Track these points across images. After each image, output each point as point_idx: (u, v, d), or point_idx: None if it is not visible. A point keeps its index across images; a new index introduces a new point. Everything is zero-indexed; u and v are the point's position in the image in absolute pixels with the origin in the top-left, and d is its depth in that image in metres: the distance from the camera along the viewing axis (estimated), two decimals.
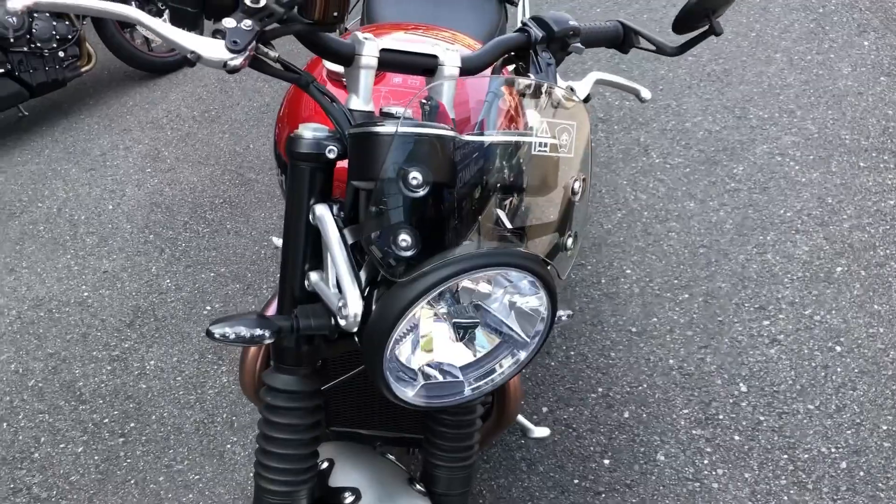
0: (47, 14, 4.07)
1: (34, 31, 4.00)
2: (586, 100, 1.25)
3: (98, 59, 4.47)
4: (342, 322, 0.88)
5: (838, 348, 2.18)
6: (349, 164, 0.91)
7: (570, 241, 0.97)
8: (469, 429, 1.18)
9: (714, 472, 1.91)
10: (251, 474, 2.05)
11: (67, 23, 4.18)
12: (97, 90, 4.64)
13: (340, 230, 0.93)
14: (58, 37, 4.13)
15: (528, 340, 0.96)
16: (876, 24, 3.62)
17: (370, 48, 0.98)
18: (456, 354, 0.95)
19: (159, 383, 2.39)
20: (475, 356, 0.95)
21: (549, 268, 0.94)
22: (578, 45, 1.20)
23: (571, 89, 1.23)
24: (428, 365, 0.94)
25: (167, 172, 3.62)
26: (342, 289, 0.88)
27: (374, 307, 0.88)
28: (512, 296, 0.95)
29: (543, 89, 0.97)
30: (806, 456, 1.93)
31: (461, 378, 0.96)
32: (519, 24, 1.19)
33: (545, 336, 0.96)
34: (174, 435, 2.20)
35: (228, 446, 2.16)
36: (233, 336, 0.92)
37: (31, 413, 2.33)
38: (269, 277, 2.83)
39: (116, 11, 0.86)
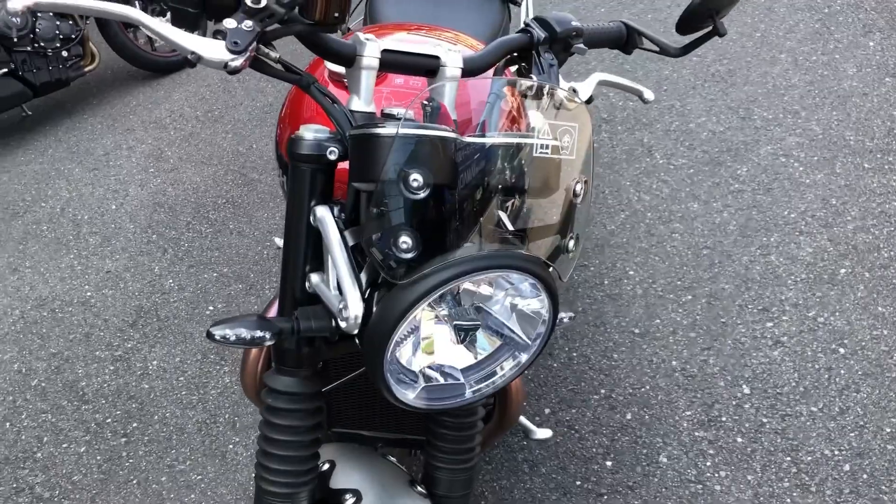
0: (51, 14, 4.07)
1: (38, 30, 4.00)
2: (589, 101, 1.25)
3: (101, 59, 4.48)
4: (343, 324, 0.88)
5: (842, 350, 2.17)
6: (350, 165, 0.91)
7: (571, 244, 0.96)
8: (470, 431, 1.18)
9: (717, 475, 1.91)
10: (253, 475, 2.05)
11: (71, 22, 4.18)
12: (101, 90, 4.64)
13: (341, 232, 0.92)
14: (61, 36, 4.14)
15: (530, 343, 0.96)
16: (882, 24, 3.61)
17: (371, 49, 0.98)
18: (457, 357, 0.95)
19: (162, 383, 2.39)
20: (476, 358, 0.95)
21: (550, 270, 0.93)
22: (581, 45, 1.20)
23: (574, 90, 1.22)
24: (429, 367, 0.94)
25: (170, 172, 3.62)
26: (343, 291, 0.88)
27: (374, 309, 0.88)
28: (513, 298, 0.95)
29: (545, 90, 0.96)
30: (809, 458, 1.92)
31: (462, 380, 0.95)
32: (522, 25, 1.18)
33: (546, 338, 0.96)
34: (176, 435, 2.20)
35: (231, 447, 2.15)
36: (233, 338, 0.92)
37: (34, 413, 2.34)
38: (272, 278, 2.83)
39: (117, 12, 0.86)
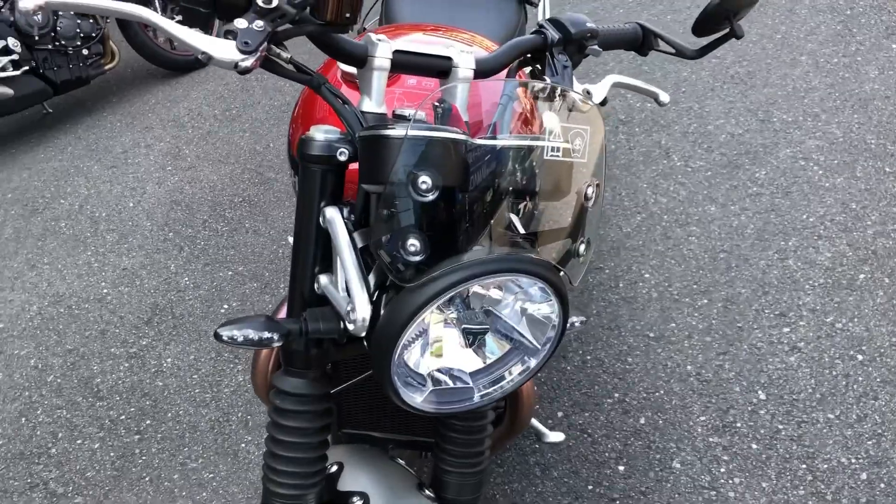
0: (72, 13, 4.11)
1: (59, 29, 4.04)
2: (603, 103, 1.24)
3: (121, 57, 4.52)
4: (350, 326, 0.87)
5: (860, 357, 2.14)
6: (360, 167, 0.91)
7: (582, 248, 0.95)
8: (480, 434, 1.17)
9: (731, 481, 1.89)
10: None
11: (92, 21, 4.22)
12: (120, 88, 4.67)
13: (350, 233, 0.92)
14: (82, 35, 4.17)
15: (539, 347, 0.95)
16: None
17: (383, 50, 0.97)
18: (465, 360, 0.94)
19: (176, 381, 2.40)
20: (485, 362, 0.94)
21: (560, 274, 0.92)
22: (596, 47, 1.19)
23: (588, 92, 1.21)
24: (438, 370, 0.93)
25: (187, 171, 3.64)
26: (351, 293, 0.87)
27: (382, 312, 0.87)
28: (524, 303, 0.94)
29: (558, 93, 0.95)
30: (825, 466, 1.90)
31: (471, 384, 0.94)
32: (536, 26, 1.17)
33: (556, 343, 0.95)
34: (189, 433, 2.21)
35: (243, 445, 2.16)
36: (241, 339, 0.92)
37: (50, 408, 2.35)
38: (287, 277, 2.82)
39: (128, 11, 0.86)
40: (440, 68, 1.03)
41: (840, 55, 3.46)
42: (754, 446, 1.96)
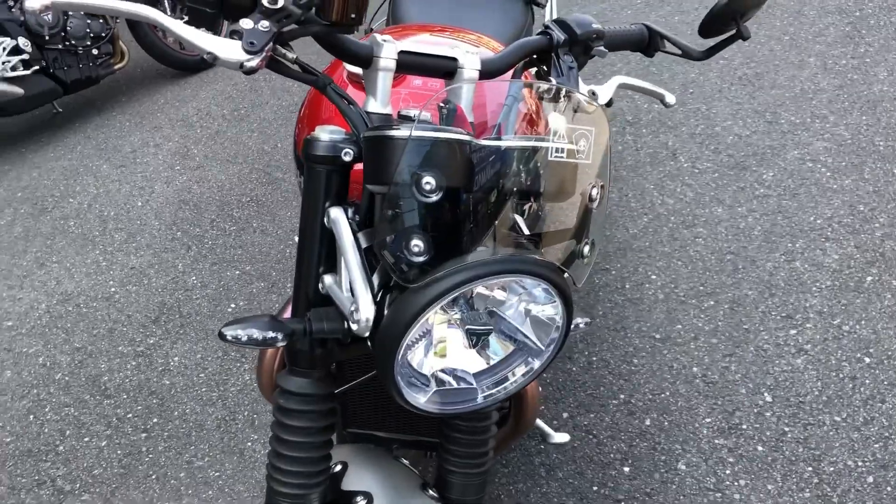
0: (82, 12, 4.13)
1: (69, 28, 4.06)
2: (609, 104, 1.24)
3: (131, 57, 4.54)
4: (354, 326, 0.87)
5: (867, 359, 2.13)
6: (364, 167, 0.91)
7: (586, 249, 0.95)
8: (484, 435, 1.17)
9: (736, 483, 1.88)
10: None
11: (101, 21, 4.24)
12: (129, 88, 4.70)
13: (354, 234, 0.92)
14: (92, 35, 4.19)
15: (543, 349, 0.95)
16: None
17: (388, 50, 0.97)
18: (469, 361, 0.94)
19: (183, 380, 2.41)
20: (488, 363, 0.94)
21: (565, 276, 0.92)
22: (602, 48, 1.19)
23: (593, 93, 1.21)
24: (441, 371, 0.93)
25: (196, 170, 3.65)
26: (354, 293, 0.87)
27: (386, 312, 0.87)
28: (527, 304, 0.94)
29: (562, 94, 0.95)
30: (831, 469, 1.89)
31: (475, 385, 0.95)
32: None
33: (560, 345, 0.95)
34: (196, 431, 2.22)
35: (249, 444, 2.16)
36: (245, 338, 0.92)
37: (57, 406, 2.37)
38: (293, 276, 2.84)
39: (134, 11, 0.87)
40: (445, 69, 1.03)
41: (849, 57, 3.45)
42: (760, 448, 1.96)
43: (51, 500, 2.05)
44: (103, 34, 4.27)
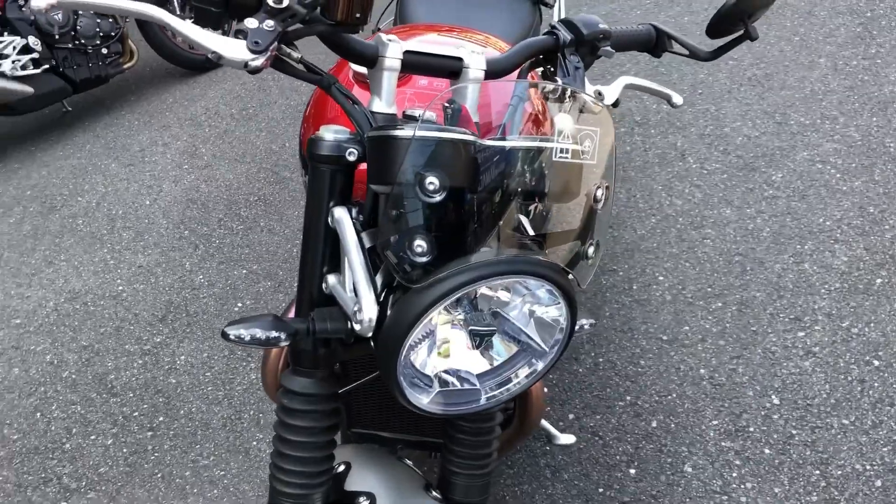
0: (91, 12, 4.15)
1: (79, 28, 4.08)
2: (615, 104, 1.23)
3: (140, 57, 4.56)
4: (357, 327, 0.87)
5: (876, 362, 2.12)
6: (368, 167, 0.91)
7: (591, 250, 0.94)
8: (488, 436, 1.17)
9: (743, 486, 1.87)
10: None
11: (111, 20, 4.26)
12: (138, 87, 4.71)
13: (358, 233, 0.92)
14: (101, 34, 4.21)
15: (547, 350, 0.94)
16: None
17: (393, 50, 0.97)
18: (472, 362, 0.94)
19: (189, 378, 2.41)
20: (491, 364, 0.93)
21: (569, 277, 0.92)
22: (608, 48, 1.18)
23: (599, 94, 1.21)
24: (445, 372, 0.93)
25: (204, 169, 3.66)
26: (358, 293, 0.87)
27: (389, 312, 0.87)
28: (532, 305, 0.93)
29: (567, 94, 0.95)
30: (839, 472, 1.88)
31: (478, 386, 0.94)
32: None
33: (564, 346, 0.95)
34: (201, 430, 2.22)
35: (254, 443, 2.17)
36: (248, 338, 0.92)
37: (64, 404, 2.37)
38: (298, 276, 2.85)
39: (140, 10, 0.87)
40: (451, 69, 1.03)
41: (859, 57, 3.43)
42: (767, 451, 1.94)
43: (57, 497, 2.06)
44: (113, 33, 4.28)
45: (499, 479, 1.96)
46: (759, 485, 1.87)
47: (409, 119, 0.97)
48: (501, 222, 0.87)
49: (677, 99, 1.33)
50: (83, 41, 4.13)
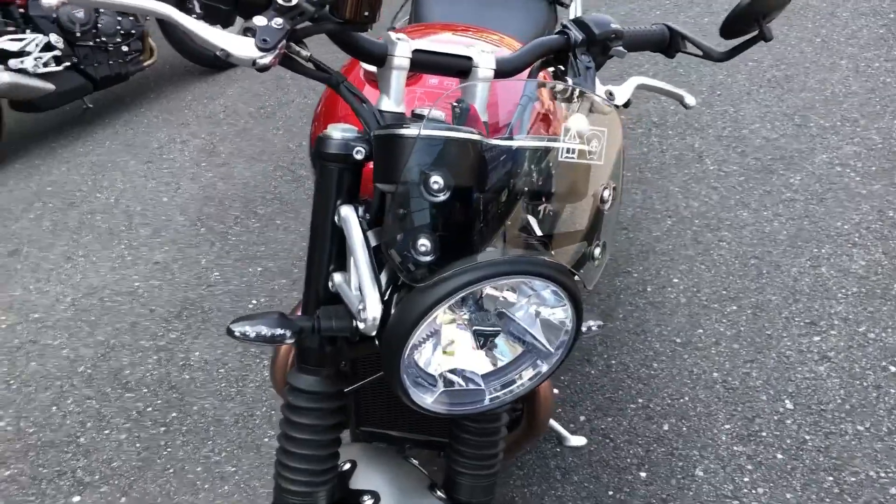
0: (106, 10, 4.18)
1: (100, 25, 4.12)
2: (627, 105, 1.22)
3: (160, 54, 4.60)
4: (360, 325, 0.87)
5: (893, 368, 2.09)
6: (374, 165, 0.91)
7: (597, 251, 0.94)
8: (493, 437, 1.16)
9: (754, 491, 1.86)
10: None
11: (132, 18, 4.30)
12: (158, 84, 4.75)
13: (364, 232, 0.92)
14: (122, 32, 4.25)
15: (552, 351, 0.94)
16: None
17: (402, 49, 0.97)
18: (477, 362, 0.93)
19: (202, 375, 2.43)
20: (495, 365, 0.93)
21: (575, 278, 0.91)
22: (620, 48, 1.17)
23: (611, 94, 1.20)
24: (450, 372, 0.93)
25: (221, 167, 3.68)
26: (362, 291, 0.87)
27: (393, 311, 0.87)
28: (538, 306, 0.93)
29: (576, 94, 0.94)
30: (853, 479, 1.86)
31: (483, 386, 0.94)
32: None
33: (569, 348, 0.94)
34: (214, 427, 2.23)
35: (266, 440, 2.17)
36: (253, 335, 0.92)
37: (80, 398, 2.39)
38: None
39: (148, 8, 0.87)
40: (460, 68, 1.03)
41: (882, 59, 3.39)
42: (780, 456, 1.93)
43: (70, 490, 2.08)
44: (133, 31, 4.32)
45: (508, 480, 1.95)
46: (771, 490, 1.85)
47: (418, 118, 0.96)
48: (507, 222, 0.87)
49: (690, 100, 1.32)
50: (104, 39, 4.17)
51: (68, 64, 4.03)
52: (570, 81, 1.10)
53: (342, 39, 0.95)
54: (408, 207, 0.82)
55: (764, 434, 1.98)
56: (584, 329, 1.07)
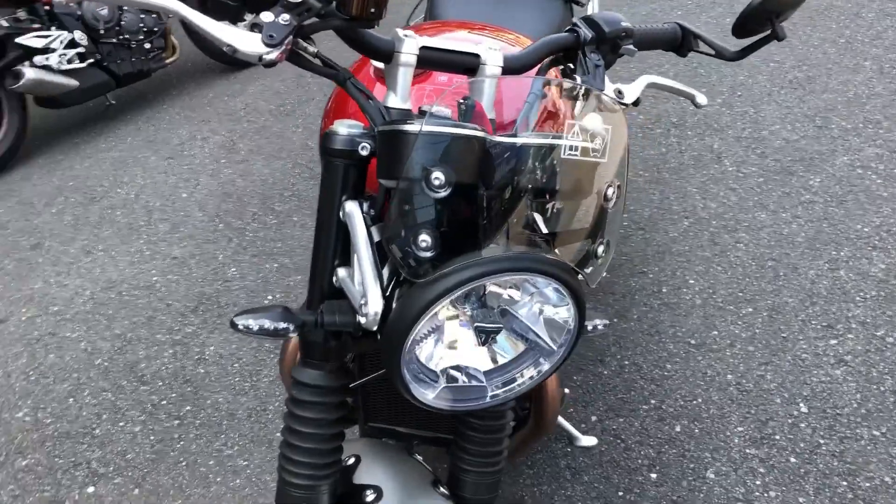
0: (146, 7, 4.23)
1: (123, 23, 4.17)
2: (636, 103, 1.22)
3: (182, 52, 4.63)
4: (362, 320, 0.88)
5: None
6: (377, 161, 0.91)
7: (601, 249, 0.93)
8: (498, 434, 1.16)
9: (766, 494, 1.84)
10: None
11: (154, 16, 4.34)
12: (180, 81, 4.79)
13: (368, 227, 0.92)
14: (145, 29, 4.29)
15: (555, 349, 0.94)
16: None
17: (409, 45, 0.97)
18: (479, 359, 0.93)
19: (217, 369, 2.45)
20: (496, 362, 0.93)
21: (578, 276, 0.91)
22: (631, 47, 1.17)
23: (620, 92, 1.19)
24: (453, 368, 0.93)
25: (240, 164, 3.71)
26: (364, 286, 0.88)
27: (394, 306, 0.87)
28: (542, 305, 0.93)
29: (581, 92, 0.94)
30: (867, 484, 1.83)
31: (485, 383, 0.94)
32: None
33: (572, 346, 0.94)
34: (227, 420, 2.25)
35: (278, 434, 2.18)
36: (256, 328, 0.93)
37: (96, 391, 2.42)
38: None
39: (156, 3, 0.88)
40: (468, 65, 1.03)
41: None
42: (793, 460, 1.91)
43: (85, 481, 2.10)
44: (156, 29, 4.36)
45: (518, 479, 1.95)
46: (784, 494, 1.83)
47: (424, 115, 0.97)
48: (510, 219, 0.87)
49: (701, 99, 1.31)
50: (127, 36, 4.22)
51: (92, 61, 4.08)
52: (578, 79, 1.09)
53: (349, 36, 0.95)
54: (409, 203, 0.83)
55: (777, 437, 1.96)
56: (589, 328, 1.07)
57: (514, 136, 0.88)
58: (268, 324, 0.94)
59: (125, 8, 4.18)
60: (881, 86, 3.27)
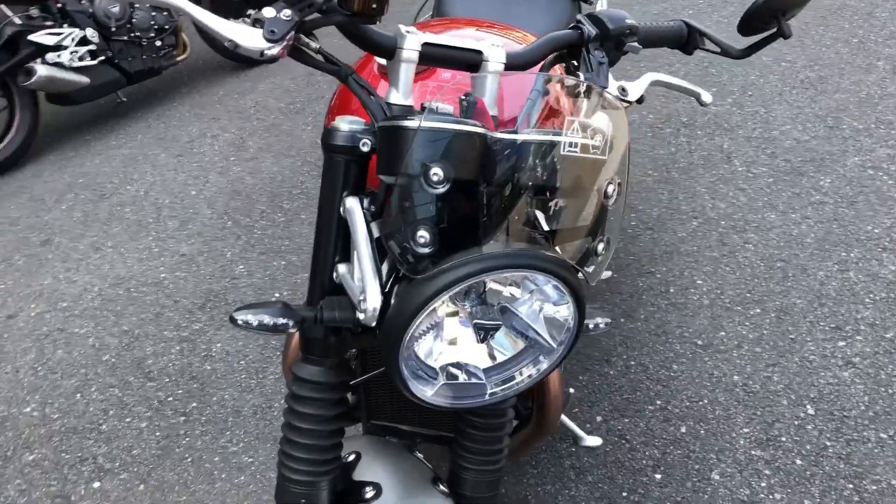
0: (147, 5, 4.25)
1: (134, 20, 4.19)
2: (640, 101, 1.21)
3: (192, 49, 4.65)
4: (360, 316, 0.87)
5: None
6: (378, 157, 0.91)
7: (601, 247, 0.93)
8: (498, 432, 1.16)
9: (771, 496, 1.83)
10: None
11: (166, 13, 4.36)
12: (190, 79, 4.81)
13: (368, 223, 0.92)
14: (156, 27, 4.31)
15: (555, 347, 0.93)
16: None
17: (411, 42, 0.97)
18: (478, 356, 0.93)
19: (223, 366, 2.45)
20: (495, 360, 0.93)
21: (578, 274, 0.91)
22: (635, 44, 1.16)
23: (623, 90, 1.18)
24: (452, 365, 0.93)
25: (249, 161, 3.72)
26: (363, 282, 0.87)
27: (393, 302, 0.87)
28: (542, 303, 0.92)
29: (584, 89, 0.94)
30: (874, 487, 1.82)
31: (484, 380, 0.94)
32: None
33: (571, 344, 0.93)
34: (233, 417, 2.26)
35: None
36: (255, 323, 0.93)
37: (103, 387, 2.43)
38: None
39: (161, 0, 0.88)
40: (470, 61, 1.02)
41: None
42: (799, 462, 1.89)
43: (91, 476, 2.11)
44: (167, 26, 4.38)
45: (522, 479, 1.95)
46: (789, 496, 1.82)
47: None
48: (510, 216, 0.86)
49: (706, 97, 1.30)
50: (138, 34, 4.24)
51: (103, 58, 4.10)
52: (581, 76, 1.09)
53: (351, 31, 0.95)
54: (408, 199, 0.82)
55: (783, 439, 1.95)
56: (591, 326, 1.06)
57: (515, 132, 0.88)
58: (267, 319, 0.94)
59: (136, 5, 4.21)
60: (894, 86, 3.24)
